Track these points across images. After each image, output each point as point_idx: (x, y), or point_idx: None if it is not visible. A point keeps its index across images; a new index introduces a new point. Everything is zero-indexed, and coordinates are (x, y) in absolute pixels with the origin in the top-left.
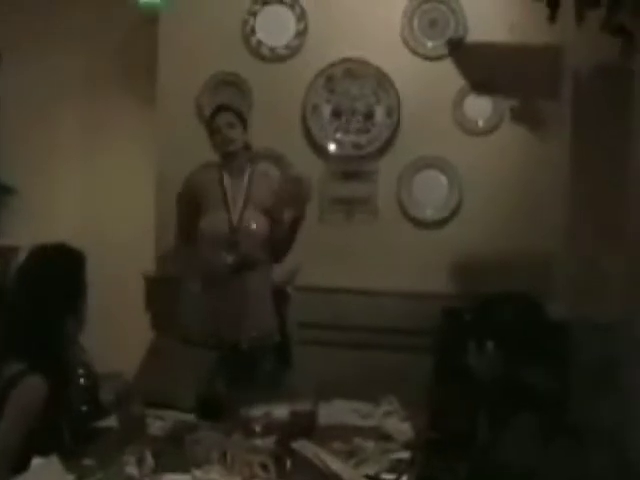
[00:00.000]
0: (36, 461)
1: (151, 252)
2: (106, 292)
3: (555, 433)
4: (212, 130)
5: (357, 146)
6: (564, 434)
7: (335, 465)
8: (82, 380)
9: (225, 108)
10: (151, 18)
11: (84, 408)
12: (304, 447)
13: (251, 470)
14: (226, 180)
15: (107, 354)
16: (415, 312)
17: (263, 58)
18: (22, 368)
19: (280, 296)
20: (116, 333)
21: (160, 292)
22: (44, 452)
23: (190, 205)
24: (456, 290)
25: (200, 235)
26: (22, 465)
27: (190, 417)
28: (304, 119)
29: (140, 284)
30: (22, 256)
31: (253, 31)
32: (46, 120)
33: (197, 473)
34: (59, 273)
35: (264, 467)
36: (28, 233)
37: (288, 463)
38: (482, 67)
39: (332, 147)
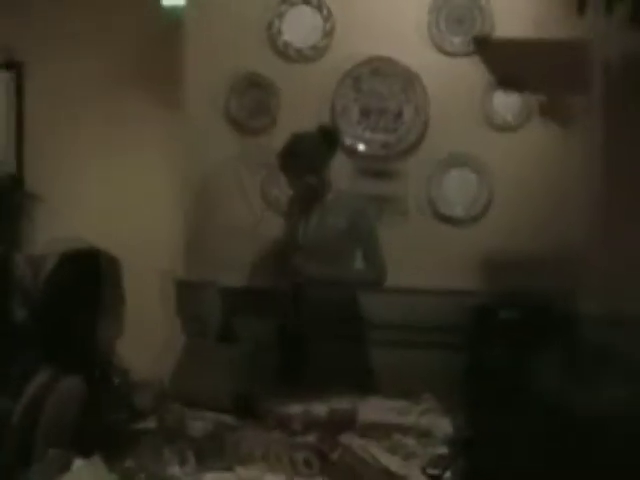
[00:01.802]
0: (78, 462)
1: (178, 255)
2: (133, 296)
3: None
4: None
5: (386, 145)
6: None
7: (384, 458)
8: (117, 385)
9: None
10: (175, 20)
11: (120, 412)
12: (352, 441)
13: (295, 467)
14: None
15: (139, 359)
16: (446, 310)
17: (290, 59)
18: (58, 372)
19: None
20: (147, 338)
21: (190, 295)
22: (83, 455)
23: None
24: (487, 287)
25: None
26: (62, 469)
27: (229, 417)
28: (333, 119)
29: (167, 289)
30: (50, 263)
31: (280, 32)
32: (70, 126)
33: (241, 471)
34: (93, 276)
35: (308, 463)
36: (53, 240)
37: (333, 457)
38: (510, 63)
39: (361, 147)
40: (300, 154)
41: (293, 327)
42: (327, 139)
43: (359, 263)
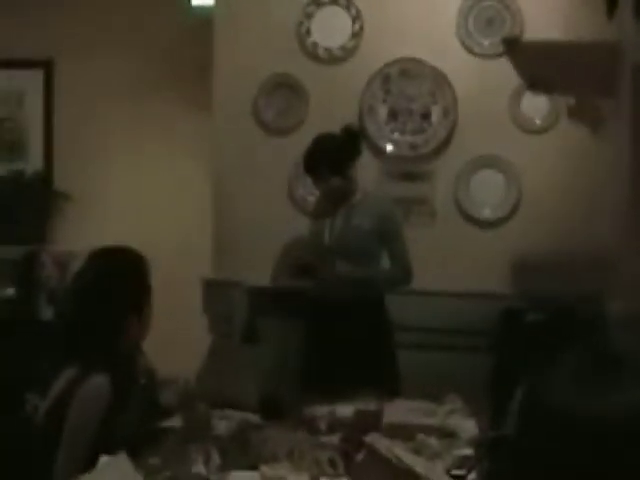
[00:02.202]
0: (104, 459)
1: (205, 255)
2: (160, 294)
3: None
4: None
5: (414, 146)
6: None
7: (409, 459)
8: (143, 382)
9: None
10: (203, 20)
11: (146, 410)
12: (376, 441)
13: (319, 466)
14: None
15: (165, 358)
16: (474, 312)
17: (319, 59)
18: (85, 369)
19: None
20: (172, 337)
21: (217, 295)
22: (108, 452)
23: None
24: (515, 290)
25: None
26: (88, 466)
27: (254, 417)
28: (361, 120)
29: (194, 287)
30: (78, 261)
31: (308, 33)
32: (100, 124)
33: (265, 470)
34: (121, 274)
35: (332, 463)
36: (82, 238)
37: (358, 457)
38: (539, 65)
39: (389, 148)
40: (324, 155)
41: (318, 327)
42: (351, 140)
43: (385, 264)
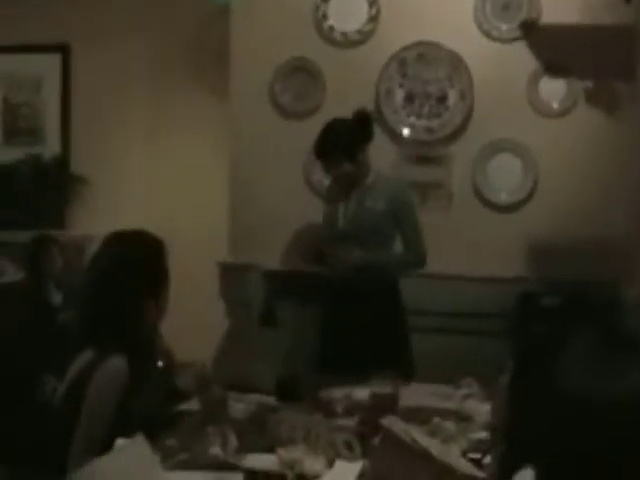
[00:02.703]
0: (121, 441)
1: (222, 240)
2: (177, 278)
3: None
4: None
5: (430, 130)
6: None
7: (425, 441)
8: (161, 365)
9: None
10: (220, 6)
11: (163, 393)
12: (393, 423)
13: (336, 449)
14: None
15: (182, 342)
16: (491, 296)
17: (335, 43)
18: (102, 352)
19: None
20: (189, 321)
21: (234, 278)
22: (125, 435)
23: None
24: (532, 274)
25: None
26: (105, 448)
27: (271, 399)
28: (377, 104)
29: (210, 272)
30: (95, 245)
31: (325, 16)
32: (115, 110)
33: (282, 452)
34: (138, 257)
35: (349, 446)
36: (99, 223)
37: (374, 440)
38: (556, 49)
39: (405, 131)
40: (335, 142)
41: (333, 311)
42: (363, 124)
43: (399, 247)
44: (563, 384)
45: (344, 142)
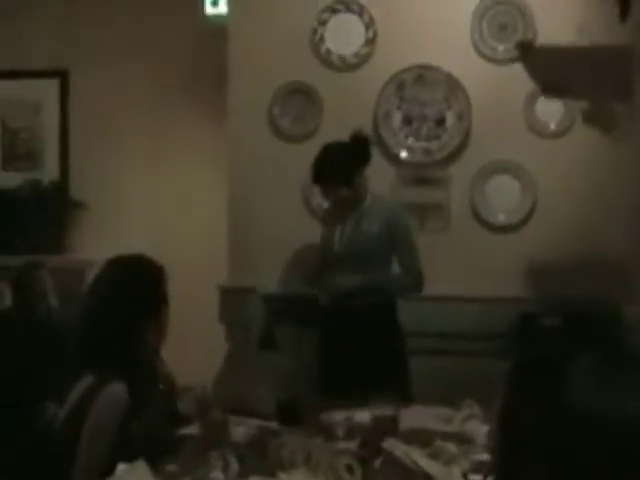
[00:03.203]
0: (122, 466)
1: (221, 263)
2: (177, 302)
3: None
4: None
5: (428, 152)
6: None
7: (426, 464)
8: (162, 389)
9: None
10: (218, 29)
11: (164, 417)
12: (394, 446)
13: (337, 472)
14: None
15: (182, 365)
16: (490, 317)
17: (333, 66)
18: (103, 377)
19: None
20: (190, 345)
21: (234, 302)
22: (126, 459)
23: None
24: (531, 294)
25: None
26: (106, 473)
27: (271, 423)
28: (375, 126)
29: (210, 295)
30: (95, 270)
31: (322, 40)
32: (114, 135)
33: (283, 477)
34: (137, 282)
35: (350, 469)
36: (99, 248)
37: (375, 463)
38: (553, 69)
39: (403, 154)
40: (332, 166)
41: (331, 334)
42: (360, 146)
43: (396, 270)
44: (566, 403)
45: (341, 166)
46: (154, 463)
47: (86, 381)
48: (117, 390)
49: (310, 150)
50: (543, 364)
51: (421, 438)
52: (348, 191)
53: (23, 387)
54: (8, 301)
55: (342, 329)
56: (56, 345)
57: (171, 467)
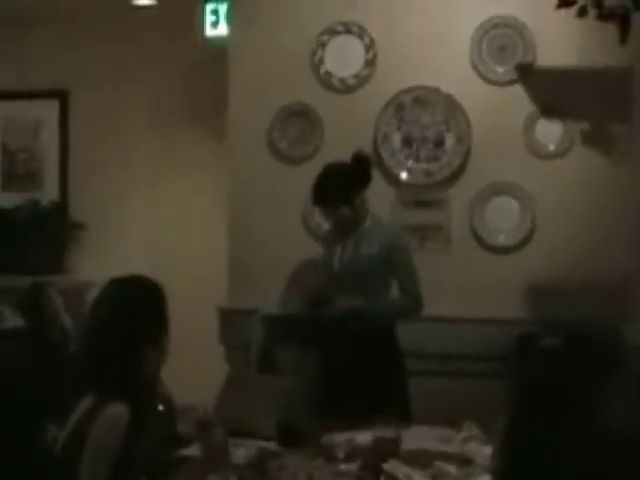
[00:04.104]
0: None
1: (221, 285)
2: (177, 323)
3: None
4: None
5: (428, 174)
6: None
7: None
8: (161, 410)
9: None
10: (218, 51)
11: (164, 438)
12: (395, 468)
13: None
14: None
15: (182, 387)
16: (490, 338)
17: (333, 88)
18: (103, 399)
19: None
20: (189, 366)
21: (234, 323)
22: None
23: None
24: (531, 315)
25: None
26: None
27: (272, 445)
28: (375, 148)
29: (210, 317)
30: (94, 291)
31: (322, 61)
32: (113, 155)
33: None
34: (137, 303)
35: None
36: (98, 268)
37: None
38: (552, 91)
39: (403, 175)
40: (332, 187)
41: (331, 355)
42: (360, 167)
43: (395, 293)
44: (597, 424)
45: (341, 187)
46: None
47: (86, 403)
48: (117, 411)
49: (309, 172)
50: (548, 385)
51: (421, 459)
52: (348, 211)
53: (32, 410)
54: (10, 322)
55: (341, 350)
56: (64, 365)
57: None
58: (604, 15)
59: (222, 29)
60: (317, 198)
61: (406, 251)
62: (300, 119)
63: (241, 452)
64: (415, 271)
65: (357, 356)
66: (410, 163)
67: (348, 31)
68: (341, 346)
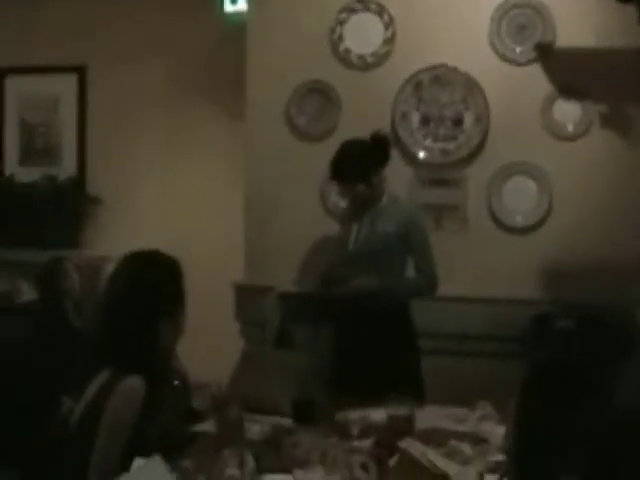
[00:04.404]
0: (138, 461)
1: (237, 261)
2: (193, 299)
3: None
4: None
5: (446, 153)
6: None
7: (442, 464)
8: (177, 386)
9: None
10: (236, 28)
11: (179, 412)
12: (410, 445)
13: (352, 471)
14: None
15: (197, 363)
16: (505, 318)
17: (351, 66)
18: (119, 373)
19: None
20: (205, 342)
21: (250, 300)
22: (142, 455)
23: None
24: (547, 296)
25: None
26: (123, 468)
27: (287, 421)
28: (393, 126)
29: (226, 293)
30: (111, 266)
31: (341, 39)
32: (131, 131)
33: (298, 474)
34: (154, 278)
35: (365, 468)
36: (115, 243)
37: (391, 461)
38: (571, 71)
39: (421, 154)
40: (351, 163)
41: (346, 333)
42: (378, 146)
43: (410, 271)
44: (586, 406)
45: (359, 165)
46: (169, 459)
47: (103, 377)
48: (134, 384)
49: (327, 149)
50: (563, 367)
51: (435, 438)
52: (365, 188)
53: (47, 383)
54: (27, 296)
55: (356, 328)
56: (78, 340)
57: (187, 463)
58: None
59: (241, 5)
60: (335, 174)
61: (422, 230)
62: (318, 96)
63: (256, 428)
64: (431, 251)
65: (371, 335)
66: (428, 142)
67: (367, 9)
68: (356, 325)
